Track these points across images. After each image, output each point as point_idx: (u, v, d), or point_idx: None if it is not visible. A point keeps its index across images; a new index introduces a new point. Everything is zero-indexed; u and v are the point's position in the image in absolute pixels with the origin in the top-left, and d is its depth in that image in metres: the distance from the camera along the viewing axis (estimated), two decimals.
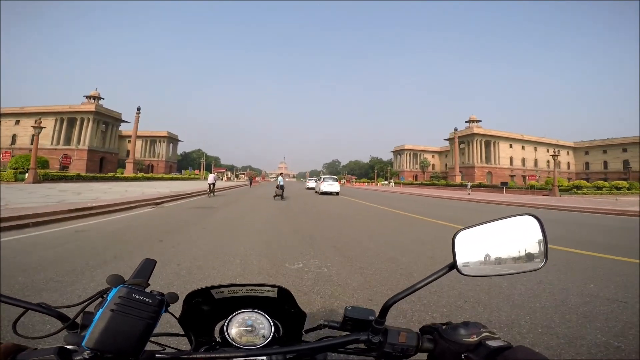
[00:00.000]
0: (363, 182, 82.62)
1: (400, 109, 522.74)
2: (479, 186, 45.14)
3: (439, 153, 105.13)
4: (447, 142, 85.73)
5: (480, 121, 79.95)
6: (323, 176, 29.41)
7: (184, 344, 0.69)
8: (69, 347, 0.51)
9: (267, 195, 22.13)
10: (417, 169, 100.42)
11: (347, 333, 0.65)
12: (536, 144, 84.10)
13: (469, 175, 73.43)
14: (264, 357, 0.62)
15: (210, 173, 22.39)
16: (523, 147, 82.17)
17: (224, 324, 0.70)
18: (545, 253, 0.62)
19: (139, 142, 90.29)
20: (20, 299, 0.54)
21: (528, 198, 26.11)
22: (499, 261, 0.62)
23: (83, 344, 0.47)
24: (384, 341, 0.61)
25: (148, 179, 45.64)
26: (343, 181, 75.07)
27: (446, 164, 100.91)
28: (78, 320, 0.54)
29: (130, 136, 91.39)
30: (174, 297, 0.57)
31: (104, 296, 0.53)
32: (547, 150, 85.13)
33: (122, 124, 75.57)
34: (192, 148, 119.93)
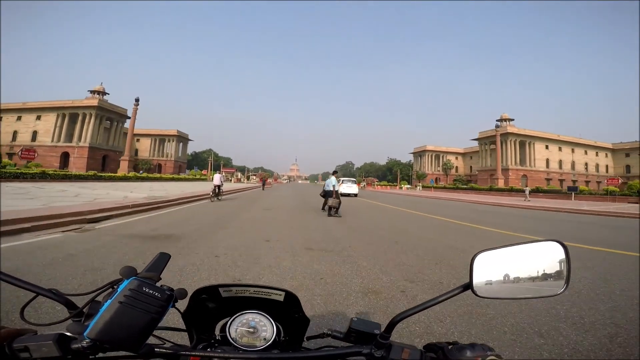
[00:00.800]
0: (384, 185, 75.98)
1: (417, 109, 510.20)
2: (537, 191, 38.96)
3: (463, 155, 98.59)
4: (476, 142, 78.84)
5: (513, 120, 73.08)
6: (342, 178, 29.11)
7: (184, 339, 0.69)
8: (69, 334, 0.50)
9: (289, 203, 17.07)
10: (438, 171, 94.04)
11: (350, 344, 0.64)
12: (573, 145, 76.60)
13: (503, 179, 66.71)
14: None
15: (217, 173, 18.43)
16: (560, 149, 74.87)
17: (226, 323, 0.69)
18: (567, 279, 0.60)
19: (147, 141, 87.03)
20: (31, 283, 0.54)
21: (621, 207, 19.91)
22: (517, 284, 0.61)
23: (85, 333, 0.47)
24: (387, 356, 0.59)
25: (143, 179, 40.74)
26: (363, 184, 68.94)
27: (471, 167, 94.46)
28: (85, 309, 0.54)
29: (138, 134, 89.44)
30: (183, 293, 0.57)
31: (115, 287, 0.53)
32: (585, 152, 77.96)
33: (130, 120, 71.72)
34: (203, 148, 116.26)
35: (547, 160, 72.63)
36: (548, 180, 70.46)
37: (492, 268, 0.62)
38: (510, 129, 68.83)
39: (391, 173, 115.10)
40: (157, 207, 10.92)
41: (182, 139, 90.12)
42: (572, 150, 76.13)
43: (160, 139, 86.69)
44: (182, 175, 59.87)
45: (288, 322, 0.72)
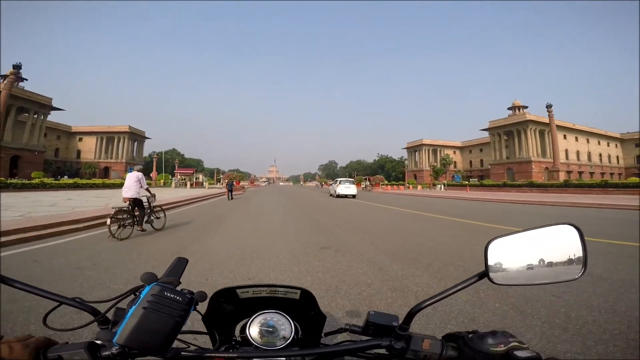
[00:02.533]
0: (392, 184, 61.77)
1: (402, 105, 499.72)
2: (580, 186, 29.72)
3: (461, 149, 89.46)
4: (487, 132, 68.96)
5: (527, 107, 63.91)
6: (339, 179, 27.92)
7: (204, 342, 0.70)
8: (99, 342, 0.51)
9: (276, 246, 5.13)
10: (435, 166, 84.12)
11: (369, 338, 0.63)
12: (588, 134, 68.49)
13: (523, 173, 56.85)
14: (283, 359, 0.61)
15: (132, 171, 7.23)
16: (576, 139, 66.50)
17: (245, 324, 0.70)
18: (584, 262, 0.59)
19: (91, 140, 71.01)
20: (54, 293, 0.55)
21: None
22: (533, 270, 0.59)
23: (114, 340, 0.48)
24: (407, 347, 0.59)
25: (53, 187, 26.64)
26: (365, 184, 56.61)
27: (471, 161, 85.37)
28: (110, 316, 0.55)
29: (80, 132, 73.28)
30: (203, 296, 0.58)
31: (137, 293, 0.54)
32: (599, 143, 70.33)
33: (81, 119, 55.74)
34: (176, 150, 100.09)
35: (567, 152, 63.87)
36: (569, 173, 61.84)
37: (507, 254, 0.61)
38: (529, 117, 59.23)
39: (383, 170, 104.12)
40: None
41: (136, 136, 74.51)
42: (587, 141, 68.06)
43: (109, 138, 70.89)
44: (99, 181, 37.32)
45: (305, 320, 0.73)
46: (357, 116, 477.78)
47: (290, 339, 0.67)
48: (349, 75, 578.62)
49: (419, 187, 55.92)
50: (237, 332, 0.74)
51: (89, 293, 3.27)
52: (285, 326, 0.69)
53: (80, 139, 71.88)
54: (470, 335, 0.58)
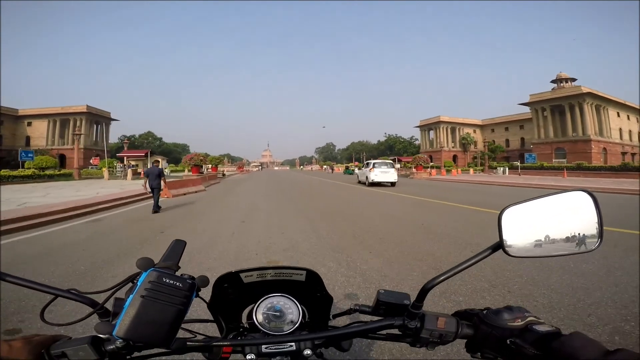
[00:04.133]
0: (434, 168, 41.90)
1: (404, 81, 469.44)
2: None
3: (481, 127, 78.36)
4: (527, 107, 57.82)
5: (575, 80, 52.98)
6: (372, 161, 20.30)
7: (211, 331, 0.68)
8: (101, 336, 0.49)
9: None
10: (453, 147, 73.36)
11: (380, 318, 0.61)
12: (637, 112, 57.67)
13: (579, 153, 46.18)
14: (293, 344, 0.60)
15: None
16: (628, 117, 55.98)
17: (252, 309, 0.68)
18: (600, 233, 0.56)
19: (42, 124, 58.03)
20: (49, 285, 0.52)
21: None
22: (549, 241, 0.57)
23: (114, 333, 0.46)
24: (421, 326, 0.57)
25: None
26: (398, 166, 41.06)
27: (493, 140, 74.41)
28: (110, 307, 0.53)
29: (32, 116, 59.97)
30: (204, 281, 0.55)
31: (134, 281, 0.51)
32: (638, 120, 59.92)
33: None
34: (153, 133, 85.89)
35: (620, 131, 53.30)
36: (624, 154, 51.77)
37: (521, 224, 0.59)
38: (585, 89, 48.02)
39: (392, 151, 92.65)
40: None
41: (99, 118, 61.35)
42: (638, 119, 57.37)
43: (63, 121, 57.89)
44: (52, 171, 28.50)
45: (311, 302, 0.70)
46: (354, 97, 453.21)
47: (299, 322, 0.65)
48: (346, 54, 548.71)
49: (457, 170, 41.94)
50: (244, 318, 0.71)
51: None
52: (292, 310, 0.66)
53: (30, 124, 58.81)
54: (484, 312, 0.57)
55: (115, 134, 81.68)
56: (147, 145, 64.61)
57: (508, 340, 0.51)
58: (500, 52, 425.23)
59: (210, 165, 37.18)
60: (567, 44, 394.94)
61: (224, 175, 34.89)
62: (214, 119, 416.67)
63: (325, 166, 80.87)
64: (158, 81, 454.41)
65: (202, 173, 24.27)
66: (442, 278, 0.57)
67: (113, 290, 0.54)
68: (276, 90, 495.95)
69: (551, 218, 0.57)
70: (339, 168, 60.60)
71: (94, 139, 60.35)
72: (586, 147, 46.78)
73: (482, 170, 44.98)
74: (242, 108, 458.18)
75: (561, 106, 50.52)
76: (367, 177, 19.20)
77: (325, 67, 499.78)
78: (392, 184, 18.82)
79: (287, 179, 29.97)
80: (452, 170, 39.97)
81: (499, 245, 0.58)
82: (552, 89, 53.73)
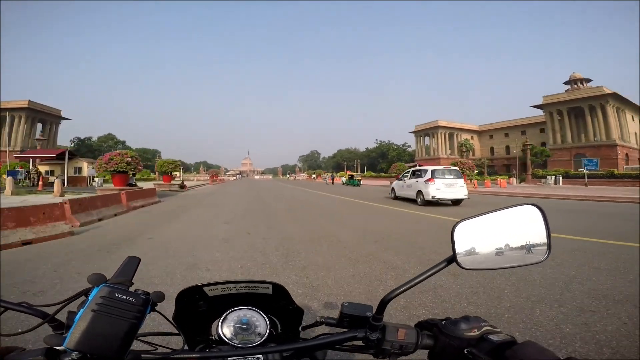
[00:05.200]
0: (490, 179, 36.44)
1: (390, 89, 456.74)
2: None
3: (479, 133, 74.03)
4: (540, 110, 53.33)
5: (590, 80, 48.96)
6: (429, 168, 13.46)
7: (181, 344, 0.67)
8: (58, 348, 0.49)
9: None
10: (450, 155, 68.26)
11: (345, 330, 0.63)
12: None
13: (604, 159, 40.93)
14: (260, 356, 0.60)
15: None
16: None
17: (218, 322, 0.68)
18: (548, 245, 0.59)
19: None
20: None
21: None
22: (501, 254, 0.59)
23: (64, 345, 0.46)
24: (382, 338, 0.59)
25: None
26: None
27: (492, 148, 70.10)
28: (64, 320, 0.53)
29: None
30: (160, 296, 0.55)
31: (87, 295, 0.51)
32: None
33: None
34: (113, 135, 74.90)
35: (636, 135, 49.42)
36: None
37: (473, 237, 0.61)
38: (607, 90, 43.63)
39: (384, 159, 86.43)
40: None
41: (44, 116, 51.19)
42: None
43: None
44: None
45: (282, 315, 0.71)
46: (340, 104, 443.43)
47: (267, 335, 0.65)
48: (330, 59, 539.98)
49: (499, 179, 31.79)
50: (213, 331, 0.71)
51: None
52: (260, 322, 0.66)
53: None
54: (443, 322, 0.58)
55: (72, 135, 70.12)
56: (107, 149, 54.69)
57: (465, 350, 0.53)
58: (495, 57, 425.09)
59: (176, 174, 28.71)
60: (560, 45, 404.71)
61: (182, 187, 24.91)
62: (190, 126, 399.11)
63: (324, 175, 60.87)
64: (134, 83, 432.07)
65: (133, 185, 16.23)
66: (399, 291, 0.59)
67: (64, 303, 0.54)
68: (256, 97, 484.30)
69: (503, 231, 0.60)
70: (338, 178, 49.87)
71: (34, 140, 50.10)
72: (611, 153, 42.33)
73: (523, 181, 37.24)
74: (220, 115, 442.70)
75: (579, 108, 46.11)
76: (423, 192, 12.59)
77: (308, 73, 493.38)
78: (458, 201, 12.73)
79: (274, 193, 20.97)
80: (500, 181, 30.10)
81: (453, 259, 0.60)
82: (566, 91, 49.48)
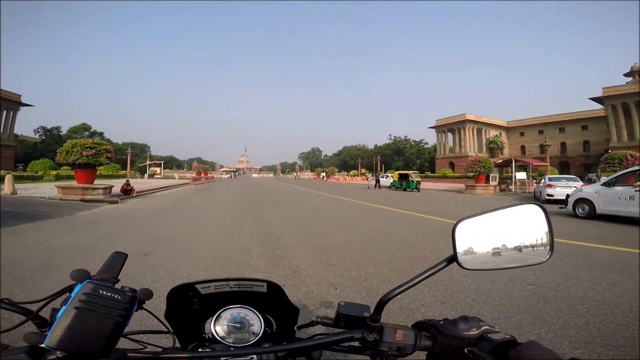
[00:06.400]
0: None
1: (395, 83, 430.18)
2: None
3: (507, 129, 66.12)
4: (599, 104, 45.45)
5: None
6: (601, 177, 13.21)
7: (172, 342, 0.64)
8: (43, 345, 0.47)
9: None
10: (476, 152, 60.38)
11: (341, 330, 0.61)
12: None
13: None
14: (254, 356, 0.59)
15: None
16: None
17: (211, 321, 0.66)
18: (551, 245, 0.58)
19: None
20: None
21: None
22: (502, 254, 0.58)
23: (44, 343, 0.44)
24: (380, 339, 0.57)
25: None
26: (522, 175, 24.60)
27: (523, 146, 62.09)
28: (42, 315, 0.51)
29: None
30: (148, 294, 0.53)
31: (71, 292, 0.49)
32: None
33: None
34: (87, 124, 64.79)
35: None
36: None
37: (474, 237, 0.60)
38: None
39: (400, 156, 78.20)
40: None
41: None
42: None
43: None
44: None
45: (277, 313, 0.69)
46: (343, 100, 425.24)
47: (261, 334, 0.64)
48: (333, 53, 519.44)
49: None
50: (207, 329, 0.69)
51: None
52: (254, 321, 0.65)
53: None
54: (441, 322, 0.58)
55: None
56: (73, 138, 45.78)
57: (465, 350, 0.52)
58: (510, 52, 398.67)
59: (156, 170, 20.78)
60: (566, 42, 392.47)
61: (126, 193, 14.51)
62: (190, 126, 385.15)
63: (368, 175, 41.08)
64: (135, 83, 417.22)
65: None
66: (397, 291, 0.58)
67: (47, 300, 0.51)
68: (255, 97, 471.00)
69: (504, 231, 0.58)
70: (373, 178, 32.55)
71: None
72: None
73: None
74: (218, 114, 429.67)
75: None
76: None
77: (308, 70, 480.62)
78: None
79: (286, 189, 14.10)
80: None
81: (453, 258, 0.59)
82: (627, 83, 41.76)
